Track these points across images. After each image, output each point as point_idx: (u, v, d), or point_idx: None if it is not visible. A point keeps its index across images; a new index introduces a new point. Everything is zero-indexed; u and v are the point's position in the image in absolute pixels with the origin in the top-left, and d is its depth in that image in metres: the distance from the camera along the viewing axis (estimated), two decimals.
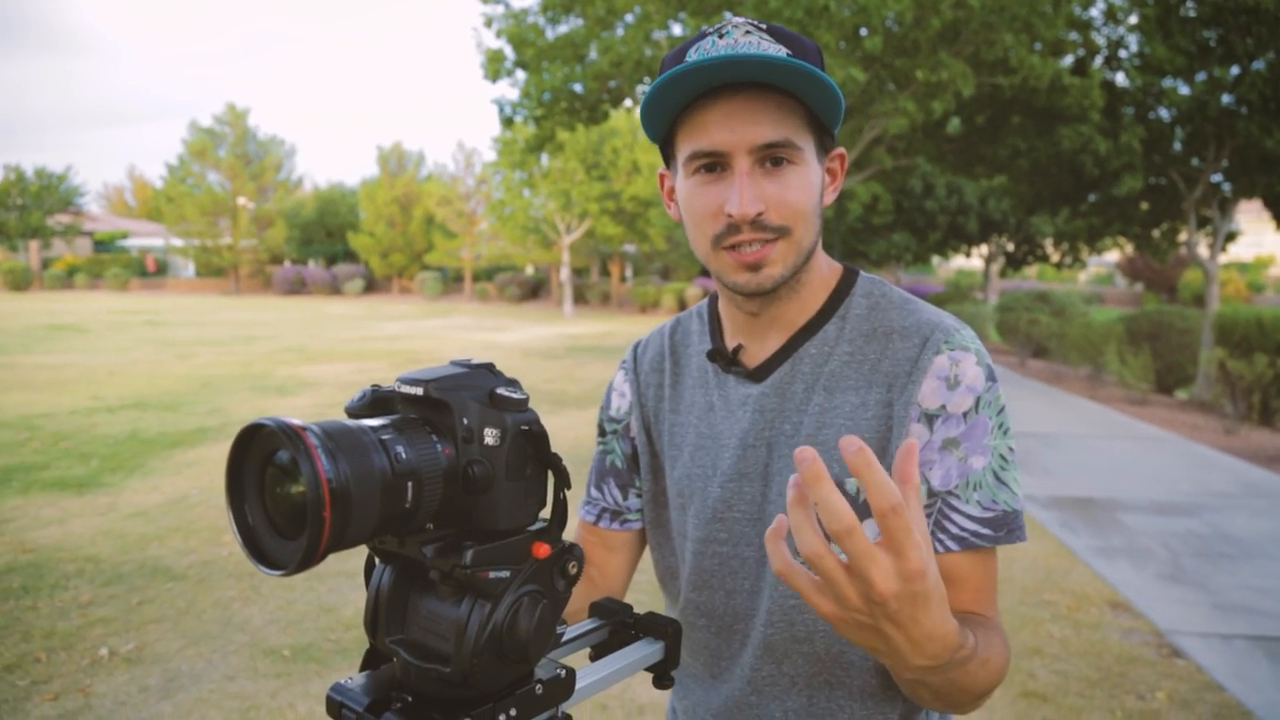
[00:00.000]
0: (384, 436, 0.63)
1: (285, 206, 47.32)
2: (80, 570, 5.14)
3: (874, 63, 12.73)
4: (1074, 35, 13.93)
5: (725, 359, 1.19)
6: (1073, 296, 21.87)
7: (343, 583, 4.94)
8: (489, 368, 0.72)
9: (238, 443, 0.62)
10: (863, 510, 1.03)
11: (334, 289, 44.02)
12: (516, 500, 0.70)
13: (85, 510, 6.34)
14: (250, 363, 15.37)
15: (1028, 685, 3.94)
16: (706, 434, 1.20)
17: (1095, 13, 14.26)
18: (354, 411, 0.71)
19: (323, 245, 50.29)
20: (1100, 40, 14.47)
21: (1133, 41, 14.26)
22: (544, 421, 0.72)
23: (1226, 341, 12.58)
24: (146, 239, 53.05)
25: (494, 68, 14.73)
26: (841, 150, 1.13)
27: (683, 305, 32.83)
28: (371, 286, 45.27)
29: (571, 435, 8.90)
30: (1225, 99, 13.20)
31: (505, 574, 0.68)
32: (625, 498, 1.33)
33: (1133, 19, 14.00)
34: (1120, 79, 14.59)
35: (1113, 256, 42.03)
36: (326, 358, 16.35)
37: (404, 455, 0.63)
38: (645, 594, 4.49)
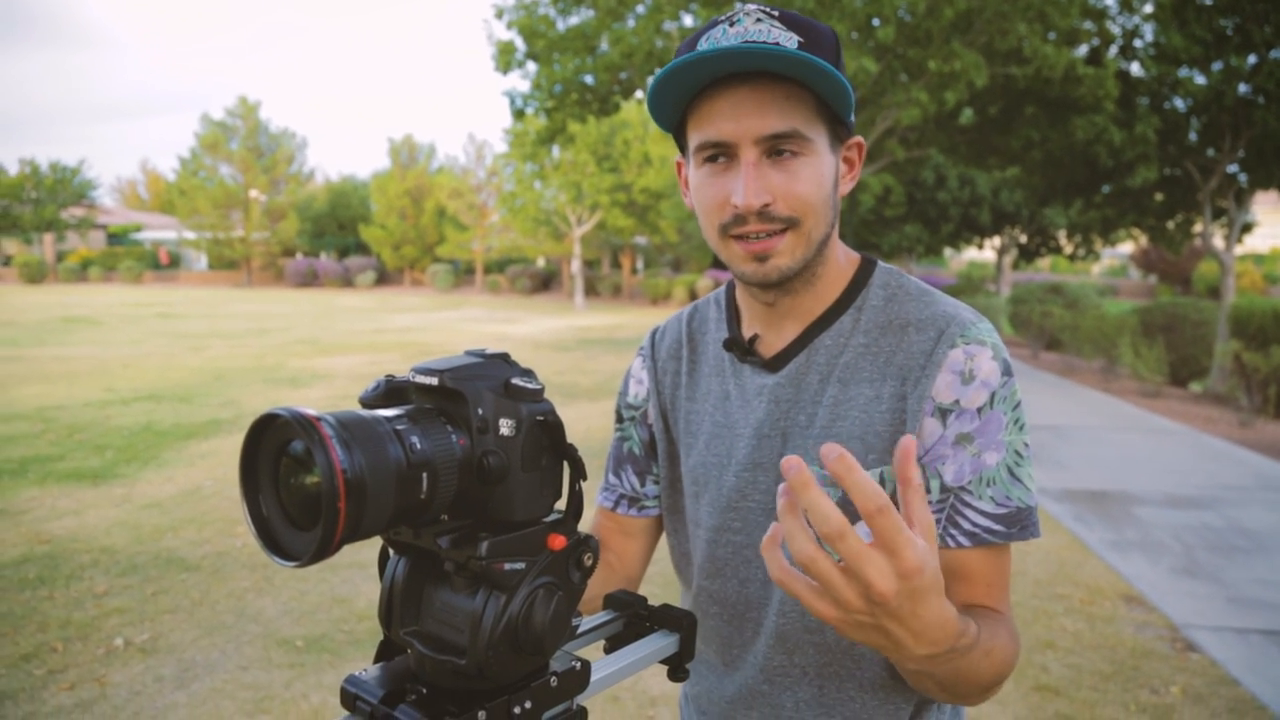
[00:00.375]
0: (399, 427, 0.63)
1: (297, 199, 47.47)
2: (95, 561, 5.17)
3: (886, 53, 12.67)
4: (1088, 24, 13.83)
5: (741, 348, 1.18)
6: (1086, 288, 21.76)
7: (355, 574, 4.96)
8: (504, 357, 0.71)
9: (252, 433, 0.61)
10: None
11: (346, 281, 44.12)
12: (532, 491, 0.69)
13: (100, 501, 6.37)
14: (263, 355, 15.42)
15: (1040, 679, 3.93)
16: (722, 423, 1.19)
17: (1110, 1, 14.16)
18: (368, 402, 0.70)
19: (334, 238, 50.42)
20: (1115, 29, 14.36)
21: (1148, 30, 14.15)
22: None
23: (1242, 334, 12.51)
24: (159, 232, 53.27)
25: (505, 59, 14.72)
26: (859, 139, 1.12)
27: (694, 297, 32.77)
28: (383, 279, 45.36)
29: (583, 427, 8.90)
30: (1242, 88, 13.08)
31: (520, 566, 0.68)
32: (643, 484, 1.33)
33: (1148, 8, 13.89)
34: (1135, 69, 14.48)
35: (1126, 248, 41.78)
36: (339, 350, 16.39)
37: (419, 446, 0.63)
38: (657, 586, 4.50)
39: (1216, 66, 13.20)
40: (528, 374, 0.71)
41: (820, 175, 1.03)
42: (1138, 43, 14.36)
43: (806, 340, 1.13)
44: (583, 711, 0.75)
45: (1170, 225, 16.87)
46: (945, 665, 0.81)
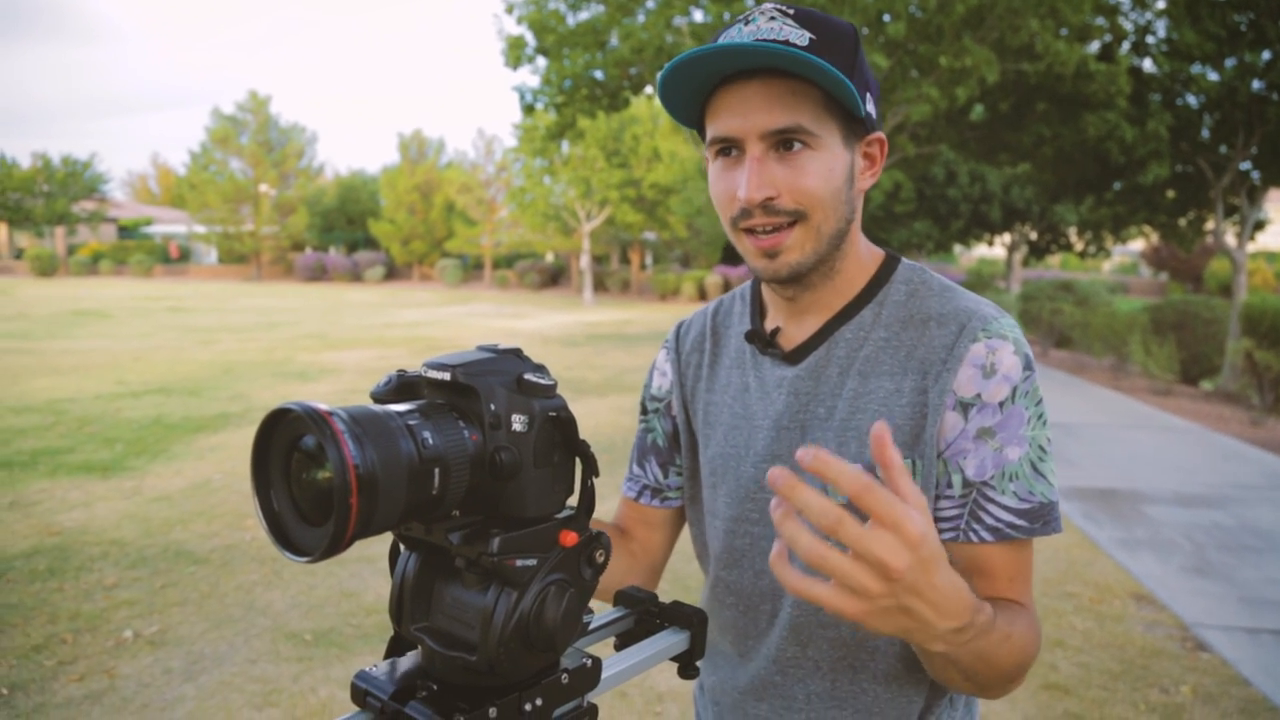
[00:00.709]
0: (411, 422, 0.63)
1: (307, 193, 47.52)
2: (105, 553, 5.19)
3: (897, 49, 12.63)
4: (1100, 20, 13.74)
5: (762, 340, 1.19)
6: (1096, 286, 21.70)
7: (364, 568, 4.97)
8: (516, 353, 0.71)
9: (263, 427, 0.61)
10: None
11: (355, 276, 44.18)
12: (544, 487, 0.69)
13: (110, 494, 6.40)
14: (272, 349, 15.46)
15: (1050, 677, 3.92)
16: (741, 414, 1.20)
17: None
18: (380, 397, 0.70)
19: (344, 232, 50.49)
20: (1127, 25, 14.27)
21: (1160, 27, 14.04)
22: None
23: (1254, 332, 12.44)
24: (170, 226, 53.41)
25: (515, 54, 14.72)
26: (880, 135, 1.12)
27: (703, 293, 32.78)
28: (392, 273, 45.42)
29: (592, 422, 8.90)
30: (1255, 85, 12.99)
31: (532, 562, 0.68)
32: (666, 475, 1.35)
33: (1160, 4, 13.79)
34: (1148, 65, 14.39)
35: (1137, 246, 41.59)
36: (347, 344, 16.42)
37: (431, 441, 0.62)
38: (667, 583, 4.50)
39: (1229, 63, 13.12)
40: (540, 369, 0.71)
41: (829, 170, 1.04)
42: (1150, 39, 14.27)
43: (827, 333, 1.14)
44: (593, 708, 0.75)
45: (1182, 222, 16.77)
46: (968, 647, 0.82)
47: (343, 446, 0.57)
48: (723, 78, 1.03)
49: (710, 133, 1.07)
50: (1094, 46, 14.13)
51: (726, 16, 12.50)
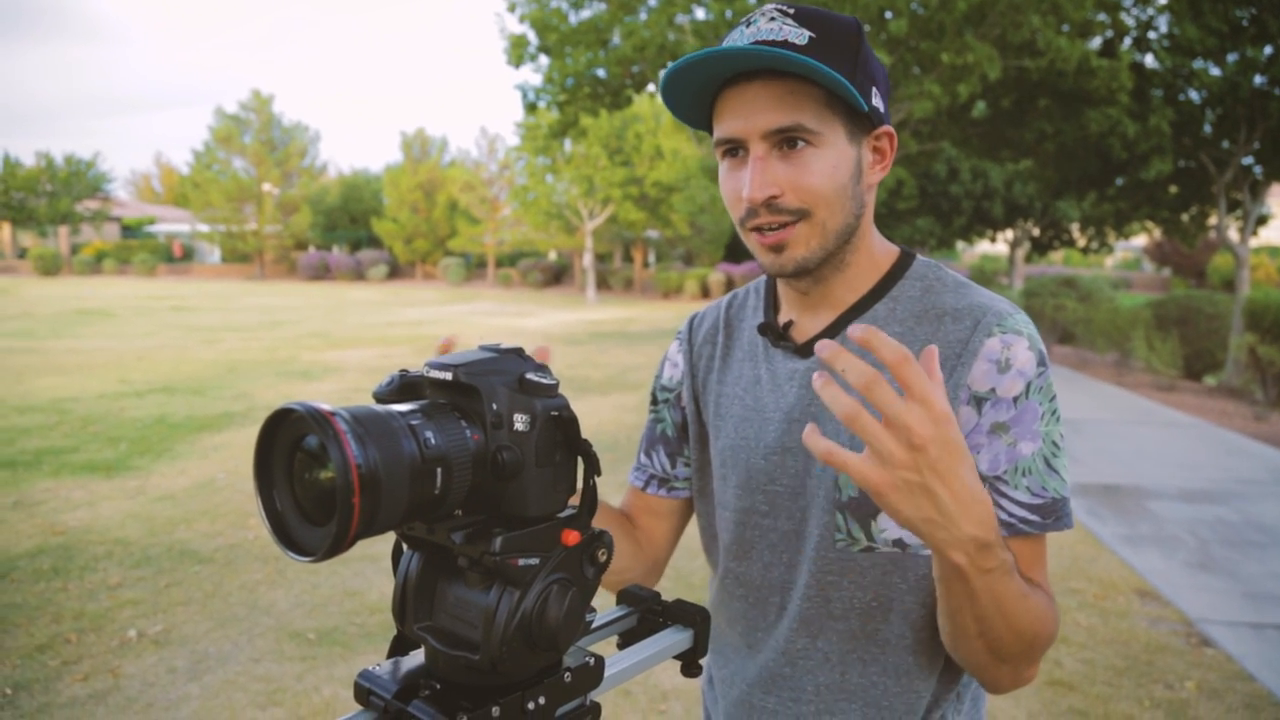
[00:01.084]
0: (413, 422, 0.63)
1: (310, 192, 47.57)
2: (109, 553, 5.20)
3: (899, 46, 12.61)
4: (1102, 16, 13.71)
5: (775, 333, 1.20)
6: (1099, 281, 21.63)
7: (367, 567, 4.97)
8: (518, 352, 0.71)
9: (266, 427, 0.61)
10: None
11: (358, 274, 44.20)
12: (546, 487, 0.69)
13: (114, 493, 6.41)
14: (275, 348, 15.48)
15: (1054, 674, 3.92)
16: (752, 406, 1.21)
17: None
18: (382, 397, 0.70)
19: (347, 231, 50.52)
20: (1129, 21, 14.24)
21: (1162, 22, 14.02)
22: None
23: (1257, 327, 12.42)
24: (173, 225, 53.45)
25: (517, 53, 14.72)
26: (889, 129, 1.12)
27: (706, 290, 32.76)
28: (395, 272, 45.43)
29: (594, 421, 8.90)
30: (1257, 80, 12.96)
31: (534, 561, 0.68)
32: (674, 466, 1.36)
33: None
34: (1149, 60, 14.36)
35: (1140, 241, 41.52)
36: (351, 343, 16.43)
37: (433, 441, 0.63)
38: (669, 581, 4.50)
39: (1232, 58, 13.09)
40: (542, 369, 0.71)
41: (832, 166, 1.04)
42: (1152, 34, 14.24)
43: (840, 327, 1.15)
44: (596, 707, 0.75)
45: (1184, 218, 16.74)
46: (987, 580, 0.84)
47: (345, 446, 0.57)
48: (726, 79, 1.05)
49: (716, 134, 1.08)
50: (1096, 42, 14.10)
51: (729, 14, 12.50)
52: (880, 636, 1.12)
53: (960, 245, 35.76)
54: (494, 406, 0.66)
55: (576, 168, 32.43)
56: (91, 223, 46.28)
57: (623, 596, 0.91)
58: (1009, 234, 29.27)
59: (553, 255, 43.72)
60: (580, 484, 0.73)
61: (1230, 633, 4.39)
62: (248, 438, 8.06)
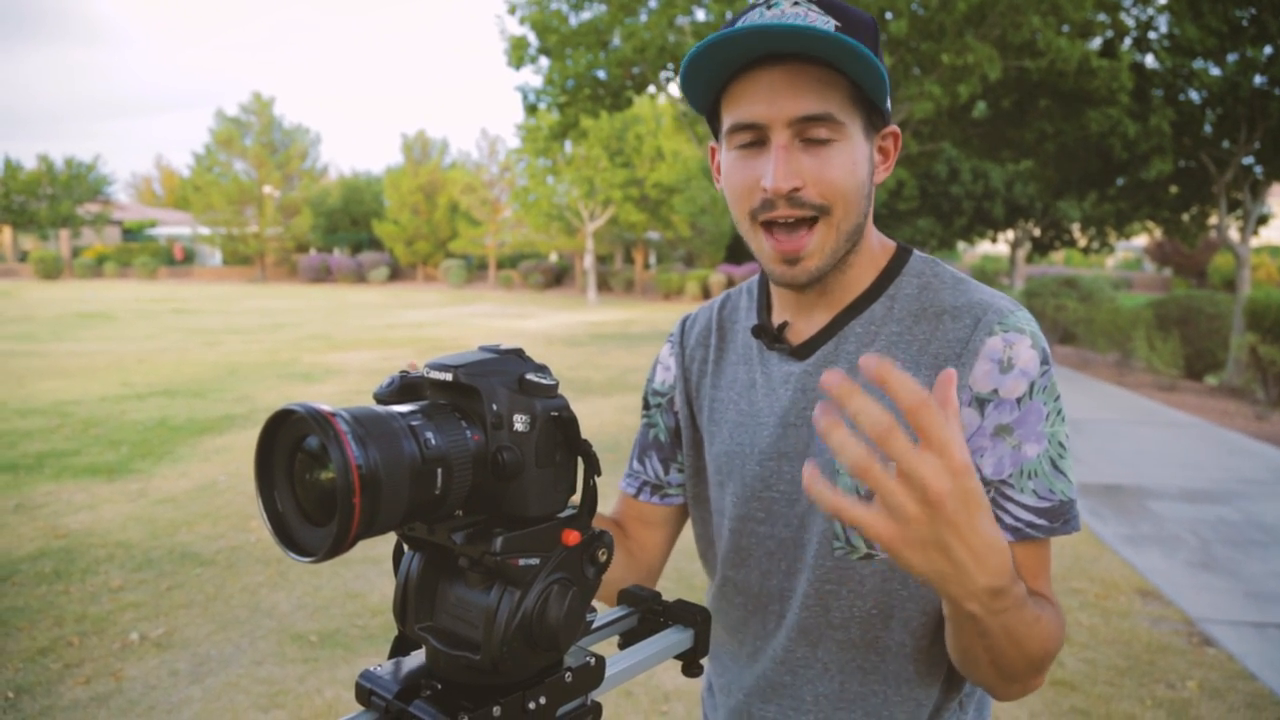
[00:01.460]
0: (413, 423, 0.63)
1: (311, 194, 47.61)
2: (111, 555, 5.21)
3: (899, 47, 12.61)
4: (1102, 16, 13.71)
5: (769, 335, 1.16)
6: (1100, 282, 21.65)
7: (369, 569, 4.97)
8: (518, 353, 0.71)
9: (267, 429, 0.62)
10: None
11: (359, 277, 44.22)
12: (546, 487, 0.69)
13: (116, 496, 6.41)
14: (276, 350, 15.48)
15: (1056, 674, 3.92)
16: (747, 411, 1.17)
17: None
18: (383, 398, 0.70)
19: (348, 233, 50.55)
20: (1129, 21, 14.24)
21: (1162, 22, 14.03)
22: None
23: (1258, 326, 12.42)
24: (174, 228, 53.46)
25: (517, 55, 14.72)
26: (895, 129, 1.10)
27: (706, 292, 32.75)
28: (396, 274, 45.44)
29: (595, 422, 8.91)
30: (1257, 80, 12.97)
31: (535, 561, 0.68)
32: (666, 472, 1.32)
33: None
34: (1150, 61, 14.37)
35: (1141, 241, 41.51)
36: (352, 345, 16.44)
37: (433, 441, 0.63)
38: (671, 581, 4.50)
39: (1232, 58, 13.10)
40: (542, 370, 0.71)
41: (853, 162, 1.01)
42: (1152, 35, 14.24)
43: (836, 328, 1.11)
44: (597, 707, 0.75)
45: (1185, 218, 16.74)
46: (1001, 617, 0.80)
47: (346, 447, 0.57)
48: (744, 64, 1.00)
49: (730, 119, 1.03)
50: (1096, 43, 14.11)
51: (729, 15, 12.50)
52: (880, 645, 1.09)
53: (961, 246, 35.76)
54: (494, 407, 0.67)
55: (577, 169, 32.44)
56: (92, 226, 46.31)
57: (623, 597, 0.91)
58: (1010, 234, 29.28)
59: (554, 257, 43.73)
60: (580, 484, 0.73)
61: (1232, 632, 4.38)
62: (249, 440, 8.06)
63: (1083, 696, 3.73)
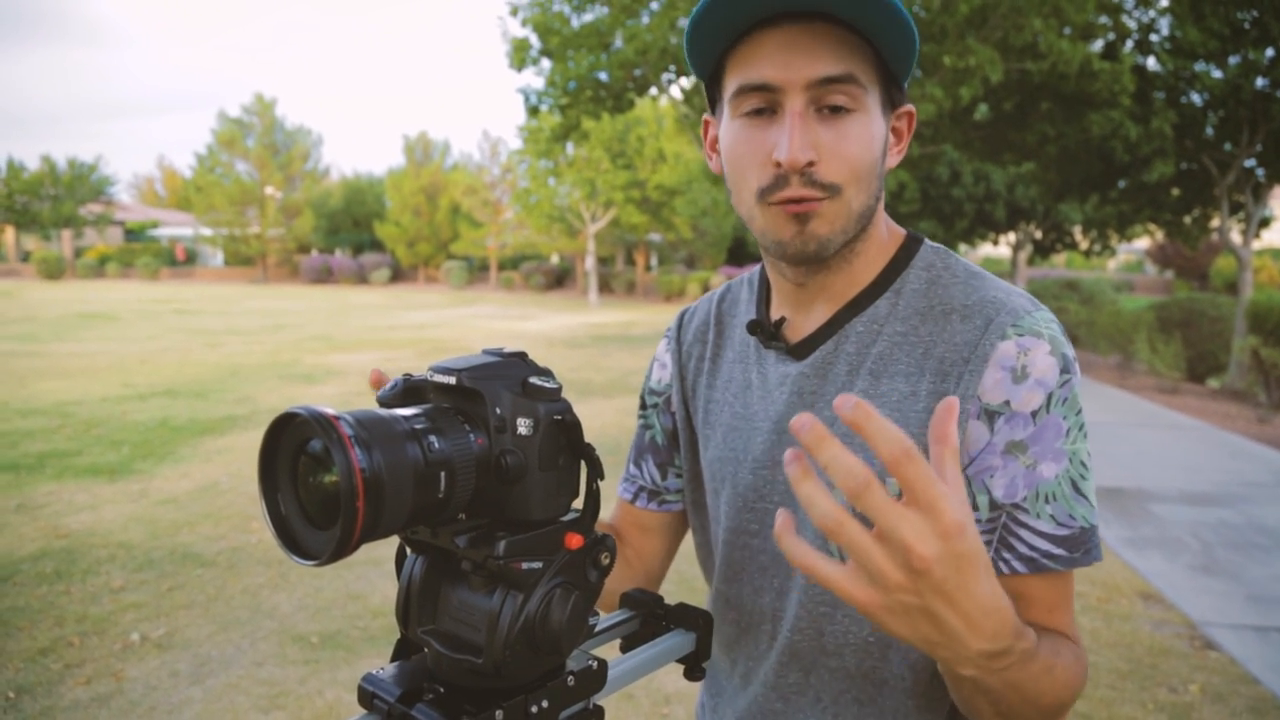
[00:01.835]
0: (417, 426, 0.63)
1: (312, 196, 47.67)
2: (112, 556, 5.21)
3: None
4: (1104, 19, 13.71)
5: (765, 332, 1.06)
6: (1102, 284, 21.67)
7: (370, 570, 4.97)
8: (521, 356, 0.71)
9: (270, 432, 0.62)
10: None
11: (360, 278, 44.25)
12: (549, 490, 0.69)
13: (117, 497, 6.41)
14: (278, 351, 15.49)
15: None
16: (741, 414, 1.09)
17: None
18: (386, 401, 0.70)
19: (349, 234, 50.61)
20: (1131, 24, 14.24)
21: (1164, 25, 14.03)
22: None
23: (1260, 329, 12.41)
24: (176, 228, 53.52)
25: (519, 56, 14.74)
26: (910, 108, 1.00)
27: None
28: (398, 275, 45.48)
29: (597, 424, 8.91)
30: (1259, 82, 12.96)
31: (538, 565, 0.68)
32: (664, 477, 1.23)
33: (1164, 1, 13.78)
34: (1151, 63, 14.37)
35: (1142, 244, 41.48)
36: (353, 346, 16.44)
37: (437, 445, 0.63)
38: (672, 584, 4.49)
39: (1233, 60, 13.09)
40: (545, 373, 0.71)
41: (870, 138, 0.91)
42: (1154, 37, 14.24)
43: (836, 326, 1.01)
44: (599, 710, 0.75)
45: (1187, 220, 16.74)
46: (1004, 675, 0.71)
47: (349, 450, 0.57)
48: (758, 21, 0.89)
49: (737, 82, 0.92)
50: (1098, 45, 14.11)
51: None
52: (878, 676, 0.99)
53: (962, 248, 35.75)
54: (497, 410, 0.67)
55: (579, 171, 32.46)
56: (95, 226, 46.36)
57: (625, 600, 0.90)
58: (1011, 237, 29.28)
59: (555, 258, 43.76)
60: (583, 487, 0.73)
61: (1234, 636, 4.38)
62: (250, 441, 8.07)
63: (1084, 700, 3.72)
